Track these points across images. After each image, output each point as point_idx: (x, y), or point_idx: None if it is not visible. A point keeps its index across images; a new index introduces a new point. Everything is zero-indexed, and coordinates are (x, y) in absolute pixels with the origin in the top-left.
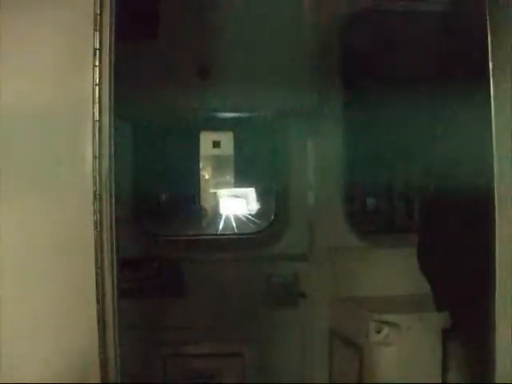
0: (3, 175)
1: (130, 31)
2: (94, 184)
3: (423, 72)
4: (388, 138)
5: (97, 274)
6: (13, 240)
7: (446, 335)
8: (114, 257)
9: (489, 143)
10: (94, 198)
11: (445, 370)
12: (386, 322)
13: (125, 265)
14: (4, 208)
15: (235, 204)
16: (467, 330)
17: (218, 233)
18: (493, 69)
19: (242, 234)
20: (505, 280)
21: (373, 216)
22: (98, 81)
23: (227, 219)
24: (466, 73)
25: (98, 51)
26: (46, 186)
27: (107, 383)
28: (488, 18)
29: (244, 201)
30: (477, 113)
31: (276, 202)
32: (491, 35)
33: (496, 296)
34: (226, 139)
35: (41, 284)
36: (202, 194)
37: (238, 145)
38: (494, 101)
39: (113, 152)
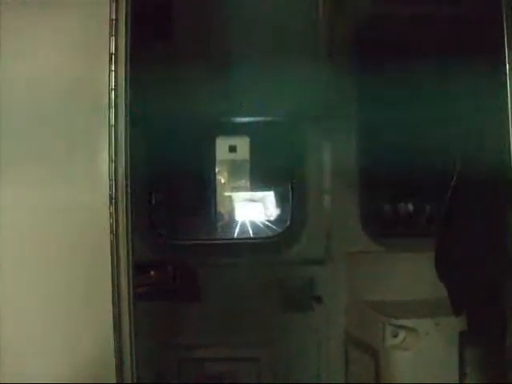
0: (19, 177)
1: (145, 36)
2: (110, 188)
3: (439, 69)
4: (404, 140)
5: (112, 277)
6: (29, 244)
7: (463, 340)
8: (130, 261)
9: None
10: (110, 201)
11: (462, 374)
12: (403, 327)
13: (140, 269)
14: (21, 212)
15: (251, 208)
16: (484, 334)
17: (234, 237)
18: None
19: (258, 239)
20: None
21: (389, 220)
22: (113, 85)
23: (243, 223)
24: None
25: (113, 56)
26: (61, 190)
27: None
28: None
29: (260, 205)
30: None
31: (292, 206)
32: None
33: None
34: (242, 144)
35: (56, 288)
36: (218, 199)
37: (254, 149)
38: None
39: (128, 156)
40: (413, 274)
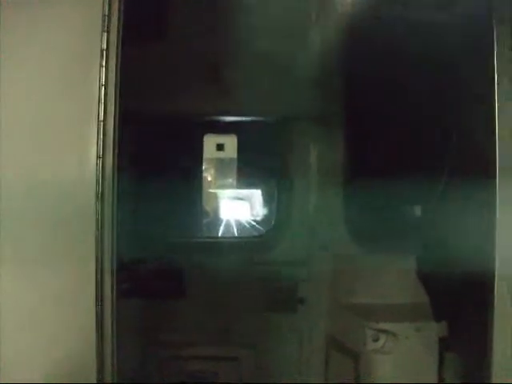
0: (5, 174)
1: (136, 32)
2: (97, 184)
3: (426, 73)
4: (391, 144)
5: (96, 274)
6: (12, 239)
7: (443, 345)
8: (115, 258)
9: None
10: (97, 198)
11: (440, 380)
12: (384, 331)
13: (125, 266)
14: (4, 207)
15: (237, 207)
16: (464, 341)
17: (219, 236)
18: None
19: (242, 238)
20: (502, 291)
21: (374, 223)
22: (103, 81)
23: (229, 222)
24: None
25: (105, 52)
26: (48, 185)
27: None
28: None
29: (246, 204)
30: None
31: (277, 206)
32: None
33: (494, 306)
34: (230, 142)
35: (40, 283)
36: (205, 197)
37: (242, 148)
38: None
39: (116, 152)
40: (395, 277)
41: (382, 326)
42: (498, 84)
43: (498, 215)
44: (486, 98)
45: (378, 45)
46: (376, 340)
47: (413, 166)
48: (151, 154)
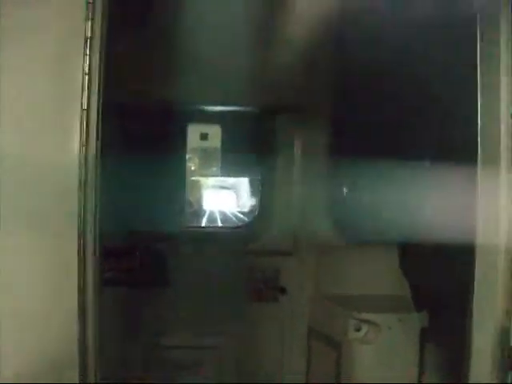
0: None
1: (120, 20)
2: (80, 172)
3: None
4: (376, 135)
5: (79, 263)
6: None
7: (424, 336)
8: (97, 246)
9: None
10: (80, 186)
11: (421, 370)
12: (366, 321)
13: (108, 255)
14: None
15: (221, 197)
16: (445, 332)
17: (202, 225)
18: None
19: (226, 228)
20: (482, 281)
21: (358, 214)
22: (87, 70)
23: (212, 212)
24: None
25: (89, 40)
26: (30, 173)
27: (86, 372)
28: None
29: (229, 194)
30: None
31: (261, 196)
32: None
33: (473, 298)
34: (214, 132)
35: (21, 272)
36: (188, 186)
37: (226, 138)
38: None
39: (100, 141)
40: (378, 269)
41: (365, 315)
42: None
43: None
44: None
45: (362, 32)
46: (358, 330)
47: (398, 154)
48: (135, 142)
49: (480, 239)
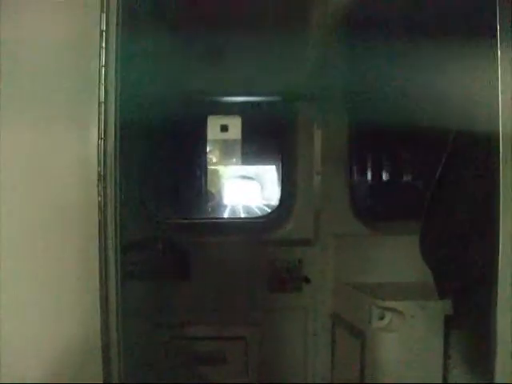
0: (8, 158)
1: (137, 12)
2: (99, 165)
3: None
4: (395, 124)
5: (100, 255)
6: (15, 221)
7: (448, 323)
8: (118, 239)
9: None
10: (99, 179)
11: (446, 357)
12: (389, 309)
13: (129, 247)
14: (7, 189)
15: (241, 188)
16: (469, 318)
17: (224, 216)
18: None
19: (247, 218)
20: (505, 268)
21: (378, 203)
22: (103, 62)
23: (233, 203)
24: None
25: (104, 33)
26: (50, 167)
27: (109, 367)
28: None
29: (250, 185)
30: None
31: (282, 186)
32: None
33: (498, 284)
34: (234, 123)
35: (43, 266)
36: (209, 178)
37: (246, 129)
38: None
39: (118, 134)
40: (400, 256)
41: (388, 304)
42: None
43: None
44: None
45: (383, 21)
46: (382, 318)
47: (420, 143)
48: (154, 135)
49: (504, 221)
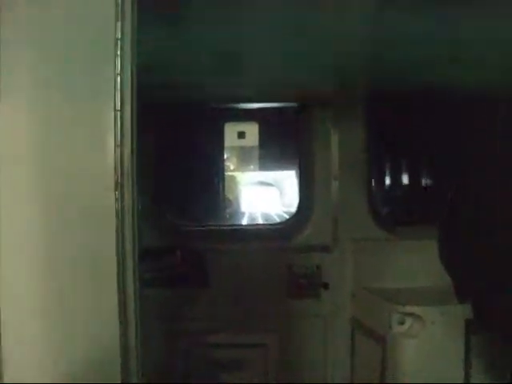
0: (23, 164)
1: (153, 19)
2: (116, 173)
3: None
4: (412, 128)
5: (118, 264)
6: (31, 229)
7: (469, 328)
8: (136, 246)
9: None
10: (116, 186)
11: (467, 363)
12: (410, 314)
13: (147, 254)
14: (24, 198)
15: (259, 195)
16: (490, 323)
17: (241, 223)
18: None
19: (265, 225)
20: None
21: (396, 208)
22: (119, 70)
23: (251, 210)
24: None
25: (119, 41)
26: (67, 175)
27: (128, 372)
28: None
29: (268, 191)
30: None
31: (300, 192)
32: None
33: None
34: (251, 130)
35: (59, 273)
36: (227, 185)
37: (263, 135)
38: None
39: (135, 141)
40: (419, 261)
41: (408, 309)
42: None
43: None
44: None
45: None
46: (402, 323)
47: (438, 150)
48: (171, 142)
49: None
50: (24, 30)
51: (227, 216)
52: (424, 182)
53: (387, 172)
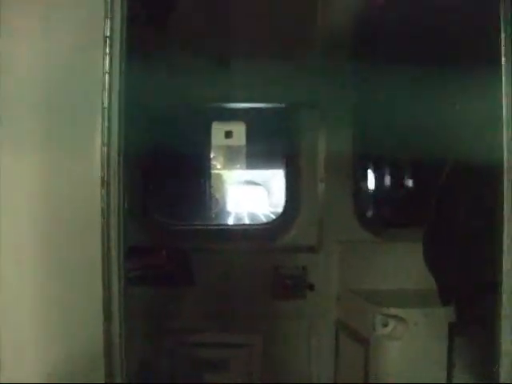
0: (10, 164)
1: (142, 18)
2: (102, 171)
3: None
4: (399, 131)
5: (103, 262)
6: (17, 227)
7: (452, 330)
8: (121, 245)
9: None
10: (102, 185)
11: (450, 365)
12: (393, 316)
13: (132, 253)
14: (10, 197)
15: (246, 195)
16: (473, 325)
17: (228, 223)
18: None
19: (251, 225)
20: (509, 274)
21: (382, 210)
22: (107, 69)
23: (238, 209)
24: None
25: (108, 39)
26: (53, 173)
27: (112, 372)
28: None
29: (254, 191)
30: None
31: (286, 193)
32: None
33: (502, 290)
34: (238, 129)
35: (45, 272)
36: (214, 184)
37: (250, 135)
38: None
39: (122, 140)
40: (404, 263)
41: (392, 311)
42: None
43: None
44: None
45: (389, 28)
46: (385, 325)
47: (423, 152)
48: (158, 141)
49: (509, 225)
50: (11, 26)
51: (214, 215)
52: (410, 184)
53: (373, 174)
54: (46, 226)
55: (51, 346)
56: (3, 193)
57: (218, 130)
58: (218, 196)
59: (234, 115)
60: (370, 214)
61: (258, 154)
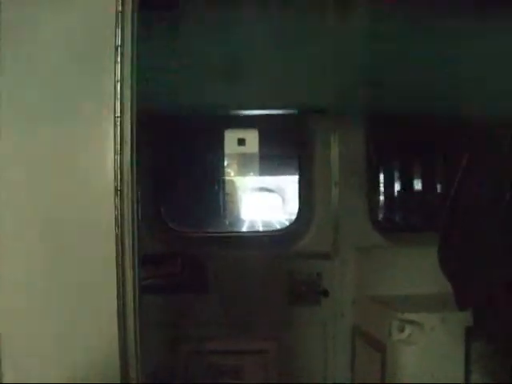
0: (23, 172)
1: (154, 26)
2: (115, 180)
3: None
4: (412, 134)
5: (117, 270)
6: (30, 236)
7: (469, 335)
8: (136, 253)
9: None
10: (115, 193)
11: (467, 370)
12: (409, 321)
13: (147, 261)
14: (25, 205)
15: (259, 202)
16: (490, 330)
17: (242, 230)
18: None
19: (266, 232)
20: None
21: (397, 215)
22: (119, 77)
23: (251, 216)
24: None
25: (119, 48)
26: (67, 182)
27: (128, 382)
28: None
29: (268, 198)
30: None
31: (300, 199)
32: None
33: None
34: (251, 137)
35: (59, 281)
36: (227, 192)
37: (263, 142)
38: None
39: (134, 148)
40: (420, 268)
41: (408, 316)
42: None
43: None
44: None
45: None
46: (402, 330)
47: (438, 155)
48: (172, 149)
49: None
50: (23, 35)
51: (228, 223)
52: (425, 189)
53: (388, 179)
54: (60, 235)
55: (65, 351)
56: (18, 204)
57: (230, 137)
58: (232, 203)
59: (246, 122)
60: (384, 219)
61: (271, 161)
